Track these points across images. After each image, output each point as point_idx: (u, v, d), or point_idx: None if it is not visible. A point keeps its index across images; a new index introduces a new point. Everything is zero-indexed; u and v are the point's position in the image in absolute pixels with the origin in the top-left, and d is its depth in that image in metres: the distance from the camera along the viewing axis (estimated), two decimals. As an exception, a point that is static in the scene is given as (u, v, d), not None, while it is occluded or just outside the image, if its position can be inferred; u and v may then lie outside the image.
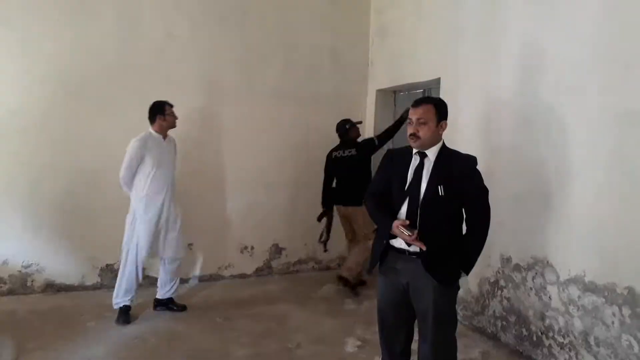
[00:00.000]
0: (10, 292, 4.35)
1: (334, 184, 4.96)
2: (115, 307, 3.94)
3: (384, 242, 2.44)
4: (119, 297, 3.94)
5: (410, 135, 2.40)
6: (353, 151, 4.78)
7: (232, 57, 5.03)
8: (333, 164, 4.89)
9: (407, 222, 2.32)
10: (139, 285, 4.04)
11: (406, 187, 2.41)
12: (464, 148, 2.71)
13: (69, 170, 4.48)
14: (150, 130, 3.99)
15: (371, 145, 4.78)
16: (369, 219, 2.87)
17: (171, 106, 4.05)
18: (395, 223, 2.33)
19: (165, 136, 4.05)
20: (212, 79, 4.95)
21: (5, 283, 4.35)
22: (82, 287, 4.58)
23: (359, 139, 4.95)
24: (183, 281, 4.76)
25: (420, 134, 2.37)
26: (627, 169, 2.79)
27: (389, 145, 4.90)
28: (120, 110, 4.60)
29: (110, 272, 4.67)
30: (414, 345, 2.57)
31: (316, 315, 4.18)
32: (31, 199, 4.39)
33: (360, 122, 5.18)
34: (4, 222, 4.31)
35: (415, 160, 2.44)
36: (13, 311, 3.98)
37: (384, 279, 2.54)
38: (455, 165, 2.41)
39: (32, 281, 4.43)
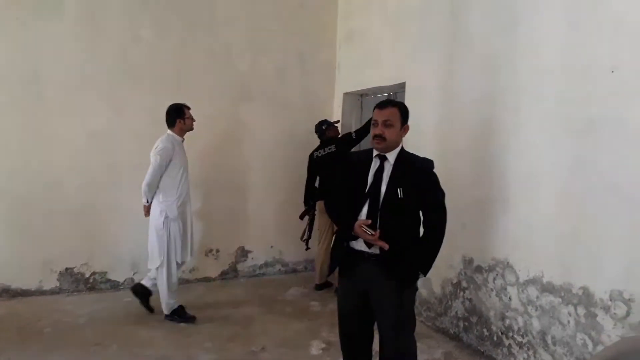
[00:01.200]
0: (-37, 298, 4.18)
1: (316, 184, 5.02)
2: (168, 311, 3.96)
3: (344, 244, 2.45)
4: (171, 300, 3.97)
5: (376, 136, 2.42)
6: (332, 147, 4.87)
7: (200, 59, 4.98)
8: (315, 164, 4.98)
9: (369, 221, 2.35)
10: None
11: (366, 190, 2.43)
12: (426, 152, 2.76)
13: (26, 172, 4.34)
14: (170, 132, 3.95)
15: (349, 139, 4.84)
16: None
17: (189, 109, 4.03)
18: (358, 223, 2.35)
19: (183, 139, 4.03)
20: (178, 81, 4.87)
21: (-43, 288, 4.18)
22: (39, 292, 4.43)
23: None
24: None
25: (386, 135, 2.41)
26: (584, 174, 2.88)
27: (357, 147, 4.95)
28: (81, 112, 4.49)
29: (70, 276, 4.54)
30: (375, 346, 2.59)
31: (282, 318, 4.17)
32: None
33: (338, 122, 5.26)
34: (-44, 225, 4.15)
35: (375, 163, 2.48)
36: (-35, 318, 3.83)
37: (344, 282, 2.56)
38: (413, 168, 2.46)
39: (-15, 286, 4.26)
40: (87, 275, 4.61)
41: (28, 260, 4.38)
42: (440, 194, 2.50)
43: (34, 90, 4.34)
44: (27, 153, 4.34)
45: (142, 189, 3.86)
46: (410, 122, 2.56)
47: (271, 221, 5.43)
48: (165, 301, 3.96)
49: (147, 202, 3.91)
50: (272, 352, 3.51)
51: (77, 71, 4.47)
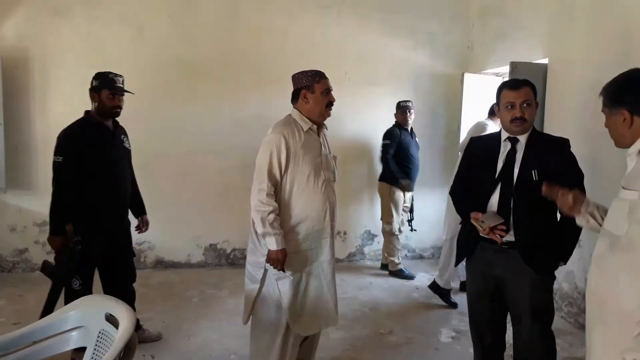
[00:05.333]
0: (126, 267, 4.78)
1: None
2: (441, 284, 4.15)
3: (473, 233, 2.36)
4: (445, 276, 4.13)
5: (517, 119, 2.26)
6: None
7: (327, 39, 5.05)
8: None
9: (480, 214, 2.25)
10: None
11: (497, 175, 2.31)
12: (572, 134, 2.53)
13: (178, 156, 4.80)
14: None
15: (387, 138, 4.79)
16: None
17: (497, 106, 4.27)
18: (472, 215, 2.27)
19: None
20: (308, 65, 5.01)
21: (122, 258, 4.79)
22: (187, 265, 4.92)
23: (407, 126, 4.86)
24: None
25: (527, 116, 2.28)
26: None
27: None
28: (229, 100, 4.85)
29: (213, 252, 4.97)
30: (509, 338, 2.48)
31: (408, 303, 4.16)
32: (145, 182, 4.73)
33: (408, 104, 4.95)
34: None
35: (505, 147, 2.35)
36: (129, 284, 4.38)
37: (473, 269, 2.48)
38: (548, 148, 2.30)
39: (144, 257, 4.82)
40: (228, 251, 5.02)
41: (178, 237, 4.87)
42: (579, 175, 2.31)
43: (189, 78, 4.77)
44: (177, 138, 4.78)
45: None
46: (554, 101, 2.37)
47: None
48: (439, 273, 4.16)
49: None
50: (400, 335, 3.51)
51: (218, 58, 4.82)
